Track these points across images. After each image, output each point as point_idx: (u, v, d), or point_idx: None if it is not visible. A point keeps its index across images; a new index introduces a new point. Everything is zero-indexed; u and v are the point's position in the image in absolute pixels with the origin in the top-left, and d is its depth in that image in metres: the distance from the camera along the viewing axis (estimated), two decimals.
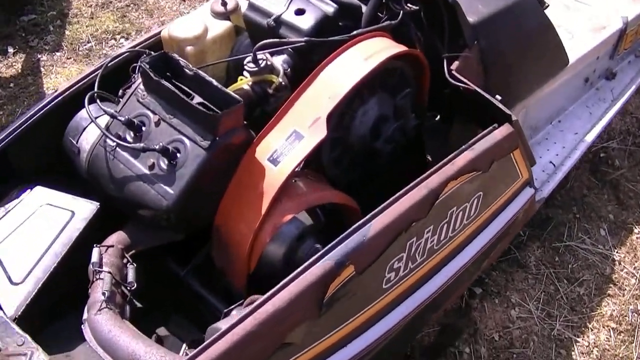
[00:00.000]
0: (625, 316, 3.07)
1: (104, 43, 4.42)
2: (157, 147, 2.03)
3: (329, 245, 1.91)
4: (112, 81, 2.36)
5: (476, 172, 2.20)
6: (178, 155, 2.05)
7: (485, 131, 2.27)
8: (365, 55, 2.20)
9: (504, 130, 2.28)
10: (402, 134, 2.38)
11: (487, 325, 2.96)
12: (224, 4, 2.56)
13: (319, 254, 1.89)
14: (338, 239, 1.92)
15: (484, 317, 2.98)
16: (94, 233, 2.16)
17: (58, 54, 4.31)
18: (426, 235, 2.14)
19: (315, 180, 2.21)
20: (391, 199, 2.02)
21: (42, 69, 4.22)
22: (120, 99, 2.29)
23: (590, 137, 3.26)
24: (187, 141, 2.05)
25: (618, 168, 3.69)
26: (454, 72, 2.41)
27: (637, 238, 3.37)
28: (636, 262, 3.27)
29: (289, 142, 2.10)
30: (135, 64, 2.29)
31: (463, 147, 2.20)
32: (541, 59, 2.90)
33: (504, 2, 2.68)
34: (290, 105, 2.16)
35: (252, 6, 2.43)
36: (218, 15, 2.56)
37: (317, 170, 2.29)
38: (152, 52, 2.28)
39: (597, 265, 3.23)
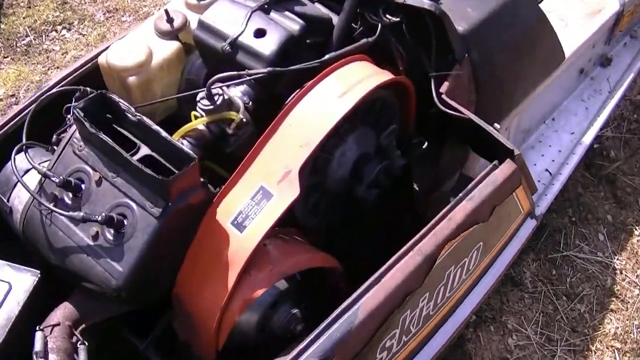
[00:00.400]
0: (630, 333, 2.81)
1: (44, 36, 4.00)
2: (99, 218, 1.70)
3: (312, 336, 1.61)
4: (46, 119, 2.00)
5: (476, 224, 1.88)
6: (125, 222, 1.72)
7: (484, 172, 1.95)
8: (342, 89, 1.85)
9: (505, 170, 1.96)
10: (387, 176, 2.04)
11: (484, 358, 2.67)
12: (170, 20, 2.17)
13: (297, 348, 1.59)
14: (322, 327, 1.62)
15: (479, 349, 2.70)
16: (38, 303, 1.83)
17: None
18: (421, 305, 1.84)
19: (289, 242, 1.89)
20: (380, 270, 1.71)
21: None
22: (55, 147, 1.94)
23: (588, 139, 2.95)
24: (134, 206, 1.72)
25: (614, 160, 3.38)
26: (444, 96, 2.08)
27: (637, 241, 3.09)
28: (638, 269, 3.00)
29: (256, 202, 1.77)
30: (69, 104, 1.94)
31: (460, 195, 1.88)
32: (537, 59, 2.57)
33: (496, 1, 2.34)
34: (255, 155, 1.82)
35: (203, 25, 2.06)
36: (164, 34, 2.18)
37: (291, 222, 1.96)
38: (88, 89, 1.93)
39: (597, 276, 2.96)
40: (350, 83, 1.87)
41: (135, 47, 2.12)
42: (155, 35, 2.19)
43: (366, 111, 1.97)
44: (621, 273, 2.98)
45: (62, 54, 3.86)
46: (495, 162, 1.98)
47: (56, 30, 4.02)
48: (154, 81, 2.14)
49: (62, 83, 2.17)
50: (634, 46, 3.40)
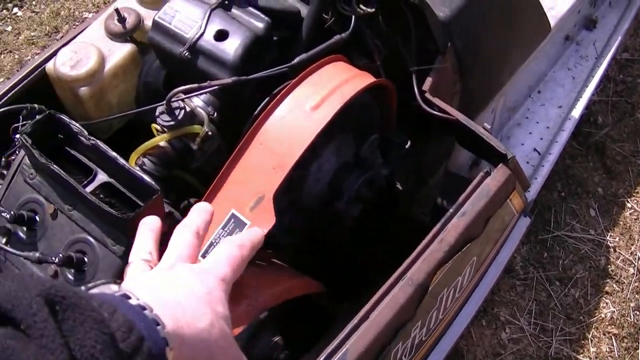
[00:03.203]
0: (627, 316, 2.70)
1: None
2: (56, 260, 1.52)
3: None
4: None
5: (470, 242, 1.73)
6: (86, 259, 1.55)
7: (476, 181, 1.77)
8: (317, 100, 1.66)
9: (499, 177, 1.79)
10: (370, 189, 1.88)
11: (477, 356, 2.55)
12: (122, 20, 1.96)
13: None
14: None
15: (472, 346, 2.57)
16: None
17: None
18: (414, 334, 1.69)
19: (267, 269, 1.73)
20: (367, 305, 1.55)
21: None
22: (4, 172, 1.76)
23: (577, 112, 2.78)
24: (94, 243, 1.55)
25: (601, 127, 3.23)
26: (427, 95, 1.90)
27: (630, 214, 2.97)
28: (632, 245, 2.87)
29: (228, 232, 1.60)
30: (15, 125, 1.76)
31: (451, 211, 1.70)
32: (522, 35, 2.38)
33: None
34: (224, 177, 1.64)
35: (158, 27, 1.84)
36: (116, 36, 1.97)
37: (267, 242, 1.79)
38: (36, 107, 1.75)
39: (591, 256, 2.83)
40: (325, 92, 1.68)
41: (85, 53, 1.91)
42: (106, 37, 1.98)
43: (343, 118, 1.78)
44: (615, 251, 2.86)
45: (15, 35, 3.60)
46: (487, 169, 1.81)
47: (7, 9, 3.75)
48: (109, 90, 1.94)
49: (9, 95, 1.96)
50: (619, 4, 3.21)
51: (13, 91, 1.97)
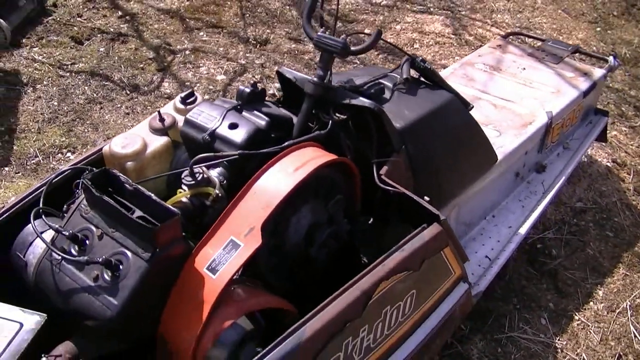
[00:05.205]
0: None
1: (51, 157, 4.48)
2: (100, 259, 2.10)
3: (265, 350, 1.98)
4: (57, 196, 2.43)
5: (408, 271, 2.30)
6: (120, 267, 2.11)
7: (415, 232, 2.39)
8: (295, 166, 2.32)
9: (433, 230, 2.40)
10: (335, 239, 2.48)
11: None
12: (162, 120, 2.68)
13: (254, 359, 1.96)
14: (273, 343, 1.99)
15: None
16: (42, 344, 2.18)
17: (6, 169, 4.35)
18: (362, 334, 2.22)
19: (253, 287, 2.29)
20: (325, 301, 2.11)
21: None
22: (65, 214, 2.36)
23: (523, 230, 3.41)
24: (129, 253, 2.12)
25: (555, 257, 3.82)
26: (383, 176, 2.54)
27: (577, 325, 3.47)
28: (578, 348, 3.36)
29: (227, 252, 2.19)
30: (78, 180, 2.38)
31: (393, 248, 2.31)
32: (470, 157, 3.06)
33: (429, 106, 2.86)
34: (226, 216, 2.26)
35: (188, 122, 2.56)
36: (156, 131, 2.68)
37: (256, 277, 2.37)
38: (94, 169, 2.38)
39: (540, 354, 3.32)
40: (302, 161, 2.34)
41: (133, 139, 2.60)
42: (150, 131, 2.69)
43: (316, 187, 2.43)
44: (562, 351, 3.34)
45: None
46: (424, 225, 2.42)
47: (62, 153, 4.52)
48: (147, 168, 2.61)
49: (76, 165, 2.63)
50: (566, 155, 3.94)
51: (77, 165, 2.62)
